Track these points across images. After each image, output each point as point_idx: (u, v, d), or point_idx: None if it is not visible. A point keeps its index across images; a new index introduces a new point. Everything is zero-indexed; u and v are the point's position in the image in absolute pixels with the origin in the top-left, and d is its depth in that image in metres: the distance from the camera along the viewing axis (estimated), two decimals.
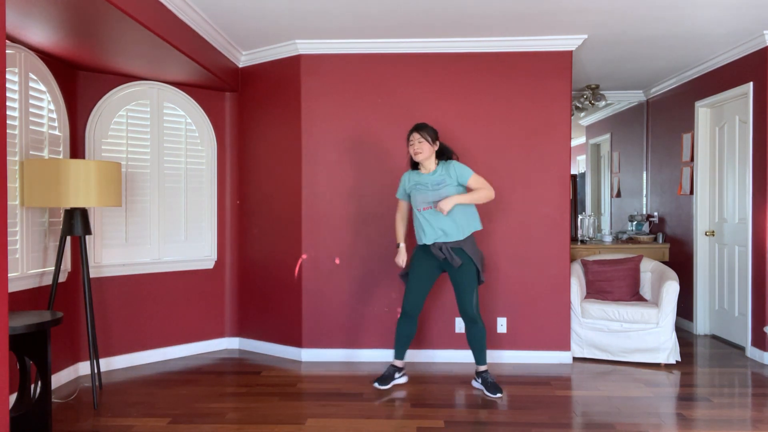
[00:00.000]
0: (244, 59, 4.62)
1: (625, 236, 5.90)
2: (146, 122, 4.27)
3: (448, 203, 3.44)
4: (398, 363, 3.80)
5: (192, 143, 4.53)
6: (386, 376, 3.75)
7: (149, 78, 4.22)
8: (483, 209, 4.32)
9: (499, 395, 3.56)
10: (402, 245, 3.80)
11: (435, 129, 3.68)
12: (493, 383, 3.62)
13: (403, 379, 3.83)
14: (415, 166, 3.73)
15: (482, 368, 3.71)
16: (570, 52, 4.26)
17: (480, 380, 3.69)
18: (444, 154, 3.69)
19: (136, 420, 3.20)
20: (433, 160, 3.64)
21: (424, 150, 3.59)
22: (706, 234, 5.15)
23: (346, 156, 4.36)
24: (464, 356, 4.35)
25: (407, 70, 4.34)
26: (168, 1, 3.28)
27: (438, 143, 3.66)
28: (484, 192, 3.53)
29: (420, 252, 3.70)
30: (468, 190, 3.65)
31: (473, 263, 3.59)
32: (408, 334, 3.75)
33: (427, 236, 3.59)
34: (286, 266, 4.47)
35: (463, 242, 3.58)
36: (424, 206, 3.59)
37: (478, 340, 3.66)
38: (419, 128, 3.61)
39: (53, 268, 3.66)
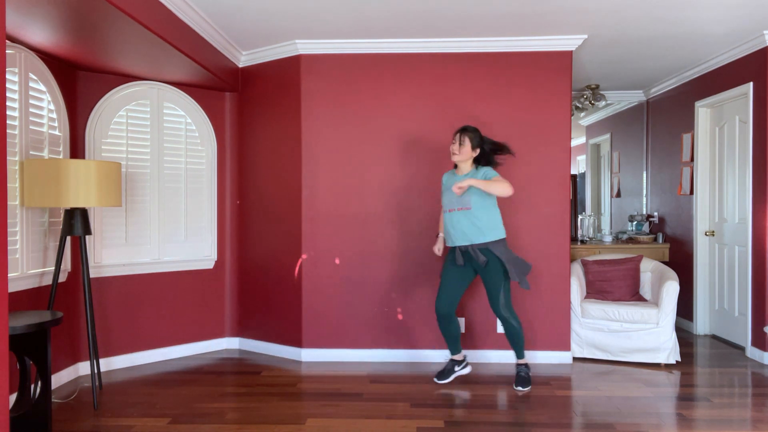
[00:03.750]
0: (244, 59, 4.62)
1: (625, 236, 5.90)
2: (146, 122, 4.27)
3: (464, 183, 3.41)
4: (457, 357, 3.89)
5: (192, 143, 4.53)
6: (447, 371, 3.86)
7: (149, 78, 4.22)
8: None
9: (521, 389, 3.69)
10: (441, 234, 3.91)
11: (480, 135, 3.66)
12: (523, 377, 3.75)
13: (466, 370, 3.91)
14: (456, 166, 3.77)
15: (520, 361, 3.84)
16: (570, 52, 4.26)
17: (516, 371, 3.83)
18: (483, 160, 3.67)
19: (136, 420, 3.20)
20: (469, 163, 3.68)
21: (461, 152, 3.63)
22: (706, 234, 5.15)
23: (346, 156, 4.36)
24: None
25: (407, 70, 4.34)
26: (168, 1, 3.28)
27: (479, 150, 3.64)
28: (500, 184, 3.40)
29: (451, 254, 3.76)
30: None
31: (500, 263, 3.59)
32: (451, 332, 3.81)
33: (452, 238, 3.67)
34: (286, 266, 4.47)
35: (491, 244, 3.59)
36: (449, 208, 3.65)
37: (511, 336, 3.76)
38: (464, 129, 3.64)
39: (53, 268, 3.66)
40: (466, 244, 3.60)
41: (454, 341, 3.85)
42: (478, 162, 3.69)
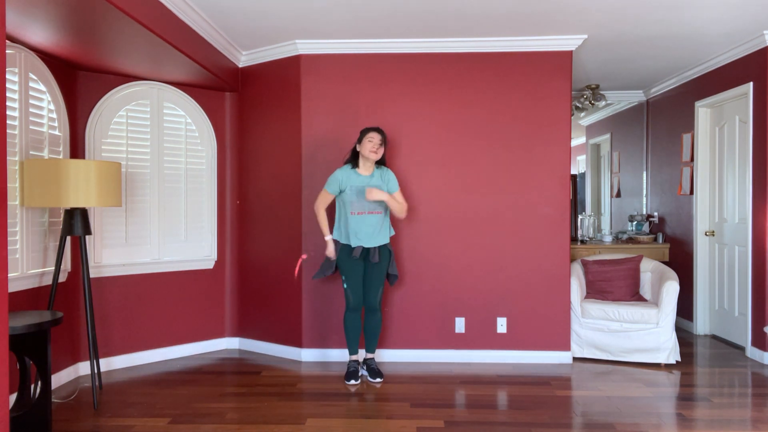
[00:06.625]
0: (244, 59, 4.62)
1: (625, 236, 5.90)
2: (146, 122, 4.27)
3: (379, 195, 3.67)
4: (356, 357, 3.99)
5: (192, 143, 4.53)
6: (353, 372, 3.89)
7: (149, 78, 4.22)
8: (482, 207, 4.33)
9: (379, 380, 3.87)
10: (330, 237, 3.86)
11: None
12: (375, 369, 3.92)
13: (363, 371, 4.03)
14: (353, 163, 3.84)
15: (370, 356, 4.00)
16: (570, 52, 4.26)
17: (365, 366, 3.99)
18: (380, 160, 3.90)
19: (136, 420, 3.20)
20: (374, 163, 3.85)
21: (380, 153, 3.78)
22: (706, 234, 5.15)
23: (346, 155, 4.35)
24: (464, 356, 4.35)
25: (407, 70, 4.34)
26: (168, 1, 3.28)
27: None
28: (403, 206, 3.82)
29: (347, 251, 3.84)
30: None
31: (390, 262, 3.90)
32: (359, 328, 3.94)
33: (359, 239, 3.77)
34: (286, 266, 4.47)
35: (389, 244, 3.91)
36: (359, 211, 3.77)
37: (375, 329, 3.93)
38: (382, 131, 3.80)
39: (53, 268, 3.66)
40: (375, 245, 3.80)
41: (357, 340, 3.95)
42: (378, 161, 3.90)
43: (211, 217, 4.65)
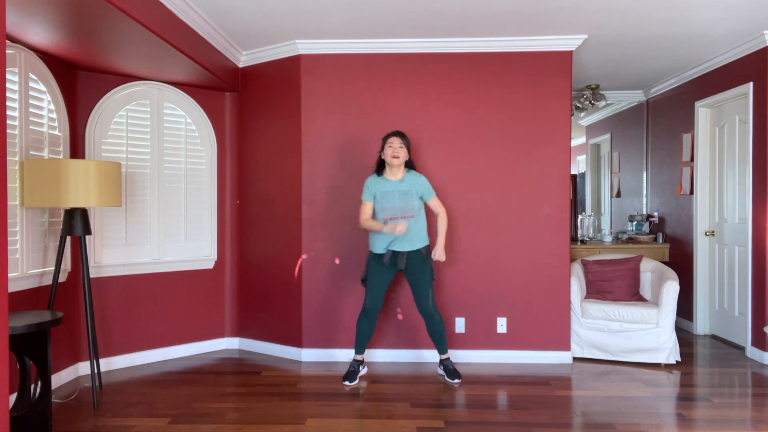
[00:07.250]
0: (244, 59, 4.62)
1: (625, 236, 5.90)
2: (146, 122, 4.27)
3: (443, 253, 3.83)
4: (360, 357, 3.96)
5: (192, 143, 4.54)
6: (352, 372, 3.88)
7: (149, 78, 4.22)
8: (482, 207, 4.33)
9: (457, 381, 3.84)
10: (388, 225, 3.70)
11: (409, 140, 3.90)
12: (453, 370, 3.88)
13: (365, 370, 4.05)
14: (380, 170, 3.84)
15: (444, 357, 3.95)
16: (570, 52, 4.26)
17: (442, 367, 3.95)
18: (410, 165, 3.89)
19: (136, 420, 3.20)
20: (402, 168, 3.82)
21: (402, 156, 3.75)
22: (706, 234, 5.15)
23: (347, 156, 4.36)
24: (464, 356, 4.35)
25: (407, 70, 4.34)
26: (168, 1, 3.28)
27: (409, 154, 3.84)
28: (446, 220, 3.86)
29: (377, 259, 3.83)
30: (426, 206, 4.04)
31: (429, 264, 3.84)
32: (370, 332, 3.92)
33: (401, 244, 3.78)
34: (286, 266, 4.47)
35: (425, 248, 3.84)
36: (392, 215, 3.77)
37: (437, 332, 3.88)
38: (401, 134, 3.80)
39: (53, 268, 3.66)
40: (407, 249, 3.78)
41: (366, 342, 3.94)
42: (406, 165, 3.88)
43: (211, 217, 4.66)
